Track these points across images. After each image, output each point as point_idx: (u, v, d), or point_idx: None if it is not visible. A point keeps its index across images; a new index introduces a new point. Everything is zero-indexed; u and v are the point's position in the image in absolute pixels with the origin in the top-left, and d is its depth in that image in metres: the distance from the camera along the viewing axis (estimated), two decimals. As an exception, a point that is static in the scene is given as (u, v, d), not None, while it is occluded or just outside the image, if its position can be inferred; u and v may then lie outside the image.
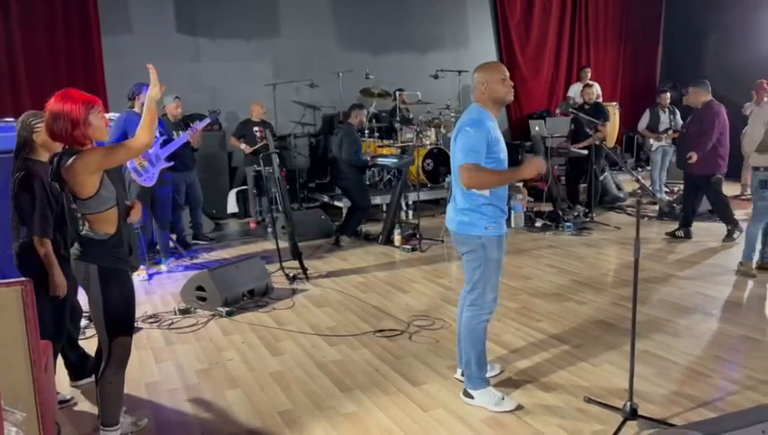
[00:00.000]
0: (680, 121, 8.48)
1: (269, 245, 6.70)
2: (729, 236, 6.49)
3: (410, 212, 8.12)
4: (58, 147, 2.77)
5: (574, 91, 10.20)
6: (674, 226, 6.88)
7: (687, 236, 6.64)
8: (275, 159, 6.01)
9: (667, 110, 8.67)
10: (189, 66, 8.59)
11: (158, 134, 5.53)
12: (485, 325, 3.19)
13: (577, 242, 6.71)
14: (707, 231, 6.87)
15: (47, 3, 7.67)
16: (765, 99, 8.66)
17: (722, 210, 6.62)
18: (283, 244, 5.92)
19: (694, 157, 6.30)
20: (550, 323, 4.31)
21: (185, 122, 6.70)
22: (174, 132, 6.27)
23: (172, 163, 5.83)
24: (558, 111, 10.31)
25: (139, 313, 4.60)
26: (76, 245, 2.67)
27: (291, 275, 5.55)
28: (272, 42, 9.16)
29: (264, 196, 7.73)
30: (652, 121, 8.65)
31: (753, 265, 5.31)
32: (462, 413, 3.12)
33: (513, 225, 7.35)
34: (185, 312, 4.72)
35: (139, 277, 5.57)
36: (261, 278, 5.13)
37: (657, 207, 8.07)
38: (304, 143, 9.28)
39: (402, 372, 3.62)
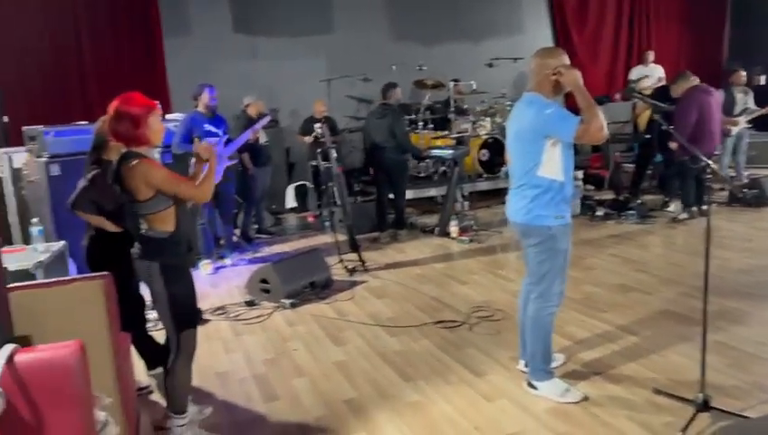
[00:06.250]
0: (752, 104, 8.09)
1: (327, 238, 6.81)
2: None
3: (466, 203, 8.06)
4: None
5: (636, 74, 9.85)
6: (745, 213, 6.55)
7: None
8: (332, 154, 6.09)
9: (741, 90, 8.23)
10: (245, 65, 8.77)
11: (221, 133, 5.70)
12: (552, 318, 3.15)
13: (641, 231, 6.51)
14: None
15: (112, 9, 8.03)
16: None
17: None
18: (341, 237, 6.00)
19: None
20: (616, 314, 4.21)
21: (248, 120, 6.83)
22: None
23: (236, 161, 5.99)
24: (617, 96, 9.94)
25: (206, 305, 4.79)
26: (137, 244, 2.77)
27: (350, 267, 5.63)
28: (326, 38, 9.26)
29: (323, 190, 7.85)
30: (727, 103, 8.20)
31: None
32: (526, 403, 3.10)
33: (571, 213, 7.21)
34: (250, 304, 4.87)
35: (205, 271, 5.79)
36: (321, 271, 5.23)
37: (726, 194, 7.72)
38: (359, 138, 9.34)
39: (464, 362, 3.63)
